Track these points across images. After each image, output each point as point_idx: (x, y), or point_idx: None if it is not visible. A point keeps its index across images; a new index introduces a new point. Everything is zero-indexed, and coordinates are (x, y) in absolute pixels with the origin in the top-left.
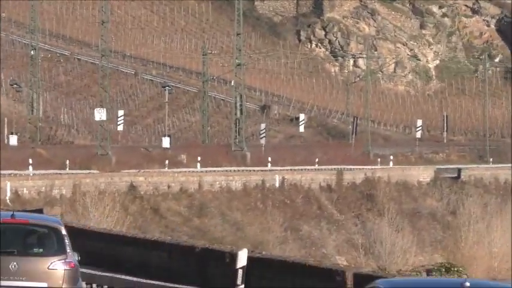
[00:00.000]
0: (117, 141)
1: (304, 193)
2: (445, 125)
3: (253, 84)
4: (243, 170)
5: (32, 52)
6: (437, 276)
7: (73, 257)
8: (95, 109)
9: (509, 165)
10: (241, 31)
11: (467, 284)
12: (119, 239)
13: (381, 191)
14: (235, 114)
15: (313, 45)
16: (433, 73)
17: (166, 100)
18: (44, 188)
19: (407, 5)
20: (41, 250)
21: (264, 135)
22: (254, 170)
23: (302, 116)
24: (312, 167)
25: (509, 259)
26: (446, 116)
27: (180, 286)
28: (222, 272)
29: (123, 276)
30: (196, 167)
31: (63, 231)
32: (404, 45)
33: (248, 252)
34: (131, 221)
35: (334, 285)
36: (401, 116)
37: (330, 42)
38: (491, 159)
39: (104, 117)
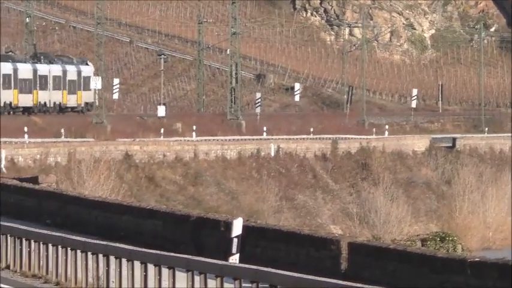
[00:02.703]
0: (112, 110)
1: (299, 162)
2: (440, 94)
3: (248, 53)
4: (238, 139)
5: (27, 20)
6: (432, 246)
7: None
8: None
9: (504, 134)
10: None
11: None
12: (114, 207)
13: (375, 161)
14: (231, 83)
15: (309, 14)
16: (429, 42)
17: (162, 68)
18: (39, 156)
19: None
20: None
21: (259, 104)
22: (249, 139)
23: (297, 86)
24: (307, 136)
25: (504, 229)
26: (442, 85)
27: (175, 255)
28: (217, 241)
29: (118, 245)
30: (191, 136)
31: None
32: (399, 14)
33: (243, 221)
34: (126, 190)
35: (329, 254)
36: (396, 85)
37: (325, 10)
38: (486, 129)
39: (99, 86)
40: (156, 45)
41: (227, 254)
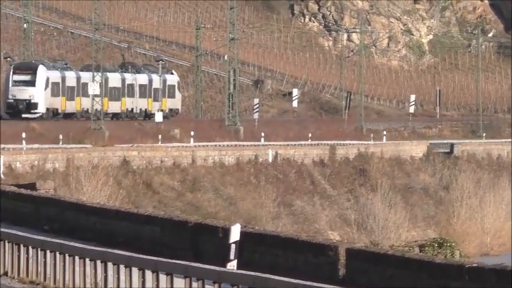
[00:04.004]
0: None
1: (297, 168)
2: (438, 100)
3: (246, 58)
4: (236, 145)
5: (25, 25)
6: (430, 252)
7: None
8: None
9: (502, 140)
10: (234, 5)
11: None
12: (111, 213)
13: (373, 166)
14: (229, 88)
15: (307, 20)
16: (427, 48)
17: (160, 74)
18: (37, 162)
19: None
20: None
21: (257, 110)
22: (247, 145)
23: (295, 91)
24: (305, 142)
25: (502, 235)
26: (440, 91)
27: (173, 261)
28: (215, 247)
29: (115, 251)
30: (189, 142)
31: None
32: (397, 19)
33: (241, 227)
34: (124, 196)
35: (327, 260)
36: (394, 91)
37: (323, 16)
38: (484, 134)
39: (98, 92)
40: (154, 51)
41: (225, 260)
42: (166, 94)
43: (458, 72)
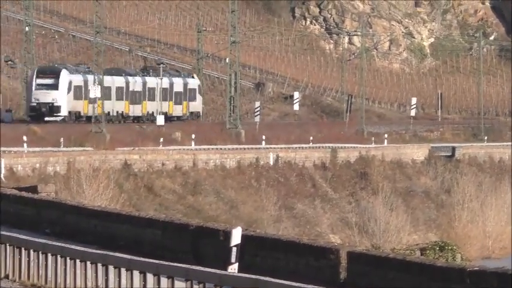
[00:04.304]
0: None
1: (298, 171)
2: (440, 103)
3: (247, 61)
4: (237, 148)
5: (26, 28)
6: (431, 255)
7: None
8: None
9: (504, 143)
10: (235, 8)
11: None
12: (113, 216)
13: (375, 170)
14: (230, 92)
15: (308, 22)
16: (428, 51)
17: (161, 77)
18: (38, 165)
19: None
20: None
21: (258, 113)
22: (248, 148)
23: (296, 94)
24: (306, 145)
25: (503, 238)
26: (441, 94)
27: (174, 264)
28: (216, 250)
29: (117, 254)
30: (190, 145)
31: None
32: (399, 22)
33: (242, 231)
34: (125, 199)
35: (328, 263)
36: (395, 94)
37: (324, 19)
38: (485, 138)
39: (99, 95)
40: (155, 54)
41: (226, 263)
42: (188, 97)
43: (459, 75)
